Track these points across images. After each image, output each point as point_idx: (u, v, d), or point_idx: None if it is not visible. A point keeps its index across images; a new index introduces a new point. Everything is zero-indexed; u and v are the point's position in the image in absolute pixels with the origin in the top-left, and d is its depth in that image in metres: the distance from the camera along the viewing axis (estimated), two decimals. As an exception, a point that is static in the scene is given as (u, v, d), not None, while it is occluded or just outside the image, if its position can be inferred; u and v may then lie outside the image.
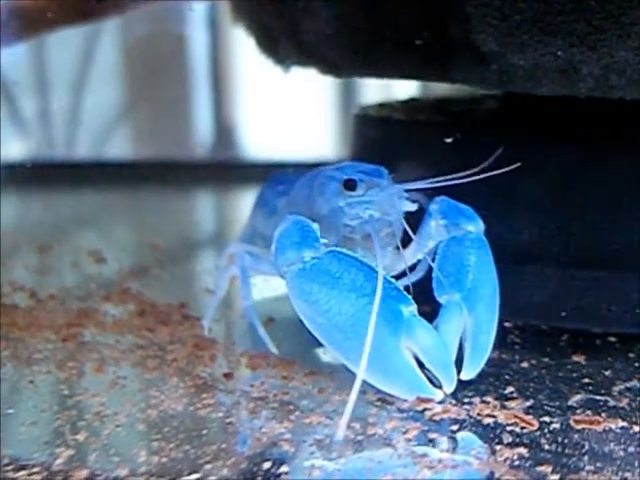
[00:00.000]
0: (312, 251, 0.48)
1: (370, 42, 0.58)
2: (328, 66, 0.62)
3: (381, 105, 0.73)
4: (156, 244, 0.83)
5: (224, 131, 1.53)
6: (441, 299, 0.50)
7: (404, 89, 0.92)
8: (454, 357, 0.49)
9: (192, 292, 0.68)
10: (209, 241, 0.99)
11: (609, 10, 0.48)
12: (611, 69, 0.50)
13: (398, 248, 0.54)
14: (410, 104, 0.73)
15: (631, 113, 0.56)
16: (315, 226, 0.50)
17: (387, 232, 0.52)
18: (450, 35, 0.54)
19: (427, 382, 0.47)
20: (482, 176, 0.51)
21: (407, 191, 0.52)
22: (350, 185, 0.52)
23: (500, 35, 0.51)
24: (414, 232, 0.54)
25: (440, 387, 0.48)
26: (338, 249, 0.48)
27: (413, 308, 0.47)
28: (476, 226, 0.53)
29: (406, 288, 0.50)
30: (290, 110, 1.39)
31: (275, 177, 0.65)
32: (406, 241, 0.55)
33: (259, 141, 1.49)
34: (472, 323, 0.50)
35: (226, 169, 1.29)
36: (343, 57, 0.59)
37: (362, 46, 0.58)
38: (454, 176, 0.51)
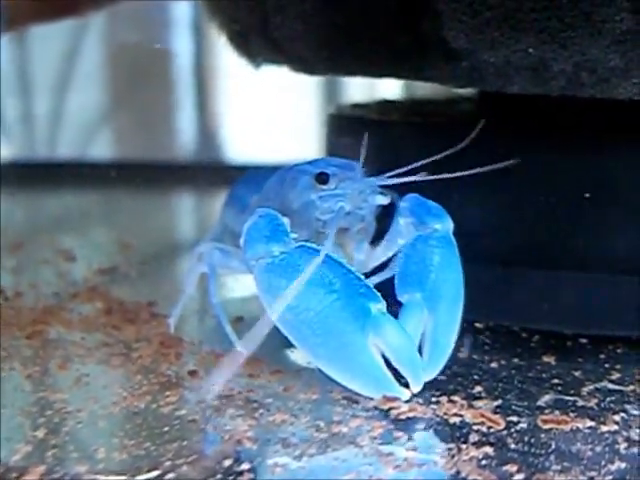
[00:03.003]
0: (281, 245, 0.48)
1: (341, 39, 0.57)
2: (299, 63, 0.62)
3: (355, 105, 0.73)
4: (129, 244, 0.82)
5: (207, 133, 1.53)
6: (402, 298, 0.50)
7: (389, 89, 0.92)
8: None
9: (162, 291, 0.67)
10: (186, 243, 0.98)
11: (580, 7, 0.48)
12: (582, 67, 0.49)
13: (371, 245, 0.54)
14: (385, 104, 0.73)
15: (609, 111, 0.55)
16: (285, 220, 0.49)
17: (359, 227, 0.52)
18: (422, 32, 0.53)
19: (394, 381, 0.47)
20: (455, 175, 0.51)
21: (381, 186, 0.52)
22: (322, 179, 0.52)
23: (471, 32, 0.51)
24: (386, 229, 0.53)
25: (407, 386, 0.47)
26: (307, 244, 0.48)
27: (382, 305, 0.47)
28: (444, 224, 0.52)
29: (375, 286, 0.49)
30: (274, 112, 1.39)
31: (246, 175, 0.64)
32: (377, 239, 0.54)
33: (242, 143, 1.48)
34: (432, 323, 0.50)
35: (208, 171, 1.29)
36: (314, 54, 0.59)
37: (333, 43, 0.58)
38: (425, 174, 0.51)
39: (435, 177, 0.52)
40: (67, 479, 0.38)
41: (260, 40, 0.62)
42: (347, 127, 0.68)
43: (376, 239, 0.55)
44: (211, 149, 1.53)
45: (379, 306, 0.47)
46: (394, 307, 0.49)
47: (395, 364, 0.47)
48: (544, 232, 0.58)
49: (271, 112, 1.37)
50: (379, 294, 0.47)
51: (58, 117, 1.46)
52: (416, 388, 0.47)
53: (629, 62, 0.49)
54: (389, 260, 0.55)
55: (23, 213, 1.09)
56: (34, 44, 1.40)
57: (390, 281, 0.52)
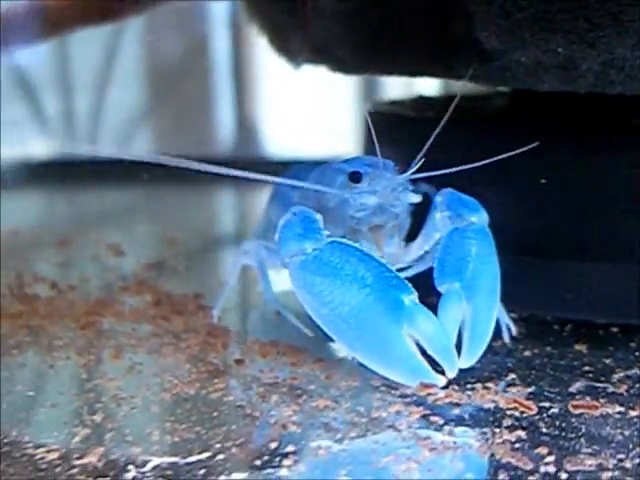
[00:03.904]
0: (314, 242, 0.49)
1: (377, 40, 0.59)
2: (337, 63, 0.64)
3: (392, 102, 0.75)
4: (174, 239, 0.84)
5: (246, 129, 1.54)
6: (441, 288, 0.51)
7: (426, 87, 0.93)
8: (453, 344, 0.50)
9: (208, 284, 0.69)
10: (228, 237, 1.01)
11: (608, 8, 0.50)
12: (610, 65, 0.51)
13: (406, 241, 0.56)
14: (420, 101, 0.74)
15: (634, 109, 0.57)
16: (318, 217, 0.51)
17: (393, 224, 0.54)
18: (455, 33, 0.55)
19: (430, 368, 0.49)
20: (484, 162, 0.52)
21: (412, 181, 0.54)
22: (355, 177, 0.53)
23: (503, 33, 0.52)
24: (421, 225, 0.55)
25: (443, 373, 0.49)
26: (339, 240, 0.50)
27: (414, 296, 0.48)
28: (479, 217, 0.54)
29: (411, 279, 0.51)
30: (312, 108, 1.40)
31: (291, 170, 0.66)
32: (414, 234, 0.56)
33: (281, 139, 1.50)
34: (471, 312, 0.51)
35: (247, 166, 1.30)
36: (351, 55, 0.61)
37: (370, 44, 0.59)
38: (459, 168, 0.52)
39: (460, 168, 0.52)
40: (124, 460, 0.41)
41: (299, 41, 0.64)
42: (384, 124, 0.70)
43: (413, 233, 0.56)
44: (250, 145, 1.54)
45: (411, 297, 0.48)
46: (432, 298, 0.51)
47: (430, 352, 0.49)
48: (577, 223, 0.59)
49: (310, 108, 1.39)
50: (411, 285, 0.49)
51: (99, 115, 1.48)
52: (451, 374, 0.49)
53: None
54: (427, 253, 0.57)
55: (67, 210, 1.12)
56: (74, 43, 1.42)
57: (428, 273, 0.54)
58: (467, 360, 0.51)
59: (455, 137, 0.62)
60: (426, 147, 0.53)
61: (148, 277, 0.69)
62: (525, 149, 0.53)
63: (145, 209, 1.12)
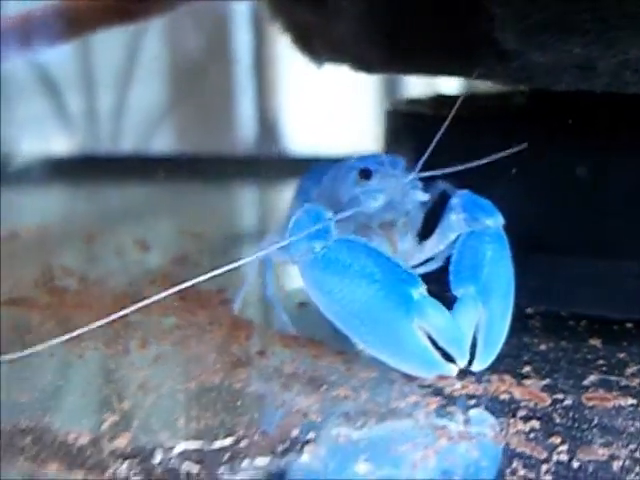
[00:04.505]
0: (322, 241, 0.50)
1: (397, 39, 0.60)
2: (358, 63, 0.65)
3: (411, 101, 0.76)
4: (197, 234, 0.86)
5: (267, 126, 1.55)
6: (457, 292, 0.52)
7: (447, 86, 0.94)
8: (468, 347, 0.51)
9: (231, 279, 0.71)
10: (250, 233, 1.02)
11: (624, 10, 0.51)
12: (625, 66, 0.52)
13: (419, 239, 0.57)
14: (440, 99, 0.76)
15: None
16: (329, 214, 0.52)
17: (403, 221, 0.55)
18: (474, 33, 0.56)
19: (442, 360, 0.50)
20: (495, 156, 0.53)
21: (430, 179, 0.55)
22: (365, 174, 0.54)
23: (521, 34, 0.54)
24: (435, 224, 0.56)
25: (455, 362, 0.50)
26: (348, 237, 0.51)
27: (423, 289, 0.49)
28: (495, 221, 0.55)
29: (423, 276, 0.52)
30: (333, 106, 1.41)
31: (313, 168, 0.67)
32: (428, 234, 0.57)
33: (303, 136, 1.51)
34: (486, 316, 0.52)
35: (269, 163, 1.32)
36: (371, 53, 0.62)
37: (389, 43, 0.61)
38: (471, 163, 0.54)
39: (467, 166, 0.53)
40: (151, 445, 0.42)
41: (321, 41, 0.65)
42: (403, 123, 0.71)
43: (428, 233, 0.57)
44: (271, 143, 1.56)
45: (420, 290, 0.49)
46: (445, 294, 0.52)
47: (441, 343, 0.49)
48: (594, 220, 0.60)
49: (331, 106, 1.40)
50: (420, 279, 0.50)
51: (121, 112, 1.50)
52: (462, 363, 0.50)
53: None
54: (440, 252, 0.57)
55: (91, 206, 1.14)
56: (97, 41, 1.43)
57: (441, 270, 0.55)
58: (481, 363, 0.51)
59: (471, 135, 0.64)
60: (433, 144, 0.54)
61: (173, 271, 0.71)
62: (515, 150, 0.54)
63: (168, 205, 1.14)
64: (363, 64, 0.65)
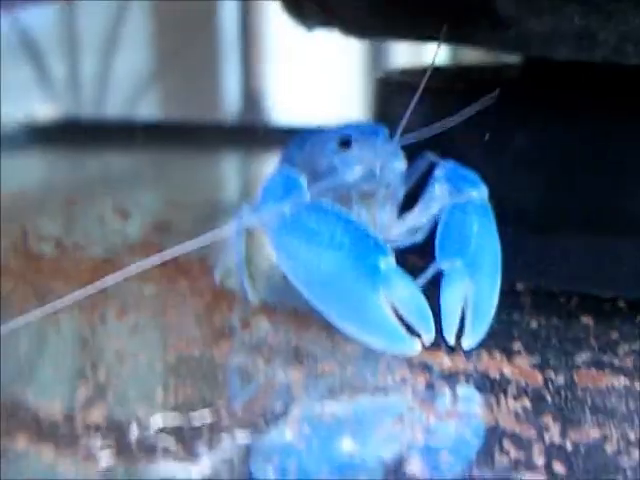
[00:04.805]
0: (293, 204, 0.49)
1: (392, 4, 0.59)
2: (351, 27, 0.63)
3: (402, 71, 0.74)
4: (180, 203, 0.84)
5: (252, 94, 1.54)
6: (443, 266, 0.51)
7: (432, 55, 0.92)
8: (457, 322, 0.50)
9: (213, 247, 0.69)
10: (234, 202, 1.00)
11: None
12: (627, 37, 0.50)
13: (401, 211, 0.55)
14: (433, 70, 0.74)
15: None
16: (302, 178, 0.50)
17: (384, 192, 0.53)
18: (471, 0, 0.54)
19: (406, 335, 0.48)
20: (465, 112, 0.52)
21: (411, 151, 0.53)
22: (344, 143, 0.53)
23: (518, 1, 0.52)
24: (418, 196, 0.54)
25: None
26: (319, 202, 0.49)
27: (391, 259, 0.48)
28: (480, 192, 0.53)
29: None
30: (319, 74, 1.40)
31: (301, 134, 0.65)
32: (409, 206, 0.55)
33: (289, 105, 1.49)
34: (474, 290, 0.50)
35: (253, 132, 1.30)
36: (366, 18, 0.60)
37: (385, 8, 0.59)
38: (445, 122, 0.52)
39: (443, 126, 0.52)
40: (127, 418, 0.41)
41: (312, 4, 0.63)
42: (394, 92, 0.70)
43: (411, 204, 0.56)
44: (257, 110, 1.54)
45: (389, 260, 0.48)
46: (429, 266, 0.51)
47: (406, 317, 0.48)
48: (584, 196, 0.59)
49: (318, 74, 1.38)
50: (389, 248, 0.48)
51: (105, 78, 1.48)
52: (428, 339, 0.48)
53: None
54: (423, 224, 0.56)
55: (72, 172, 1.12)
56: (81, 5, 1.41)
57: (425, 244, 0.54)
58: (472, 338, 0.50)
59: (461, 108, 0.62)
60: (409, 110, 0.52)
61: (154, 239, 0.69)
62: (487, 102, 0.53)
63: (151, 173, 1.12)
64: (354, 29, 0.63)
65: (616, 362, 0.49)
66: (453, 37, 0.57)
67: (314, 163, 0.55)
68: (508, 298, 0.56)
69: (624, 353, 0.51)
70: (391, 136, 0.54)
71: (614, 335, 0.53)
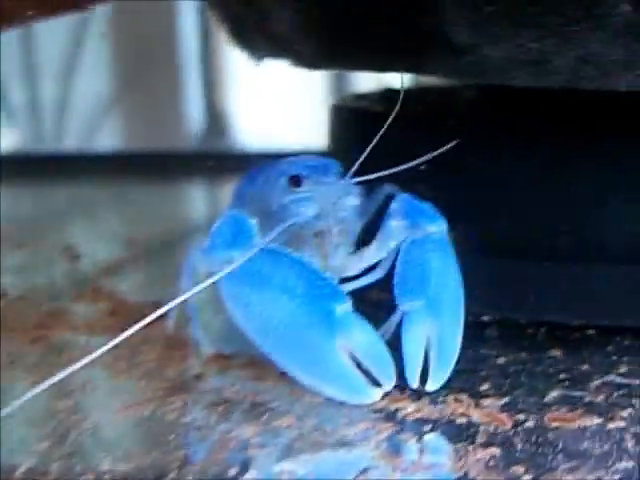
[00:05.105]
0: (243, 251, 0.47)
1: (341, 33, 0.57)
2: (300, 58, 0.61)
3: (358, 96, 0.72)
4: (135, 238, 0.82)
5: (215, 119, 1.52)
6: (403, 307, 0.49)
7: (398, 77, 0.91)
8: (420, 365, 0.48)
9: (168, 290, 0.66)
10: (194, 235, 0.98)
11: (581, 1, 0.47)
12: (584, 60, 0.49)
13: (357, 247, 0.53)
14: (388, 94, 0.72)
15: (605, 104, 0.55)
16: (252, 223, 0.48)
17: (338, 229, 0.51)
18: (423, 27, 0.53)
19: (365, 383, 0.46)
20: (428, 157, 0.50)
21: (367, 182, 0.51)
22: (295, 181, 0.51)
23: (472, 27, 0.50)
24: (374, 231, 0.53)
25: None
26: (270, 247, 0.47)
27: (347, 305, 0.46)
28: (438, 226, 0.51)
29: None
30: (283, 98, 1.38)
31: (253, 168, 0.63)
32: (367, 241, 0.53)
33: (251, 130, 1.48)
34: (437, 331, 0.49)
35: (217, 159, 1.28)
36: (314, 49, 0.58)
37: (333, 38, 0.57)
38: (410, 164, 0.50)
39: (401, 168, 0.50)
40: (73, 492, 0.38)
41: (259, 35, 0.61)
42: (349, 119, 0.68)
43: (367, 240, 0.54)
44: (220, 136, 1.52)
45: (344, 306, 0.46)
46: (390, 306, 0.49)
47: (365, 365, 0.46)
48: (548, 224, 0.57)
49: (280, 99, 1.37)
50: (345, 294, 0.47)
51: (65, 104, 1.46)
52: (388, 386, 0.47)
53: (631, 54, 0.48)
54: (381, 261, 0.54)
55: (27, 206, 1.09)
56: (40, 30, 1.39)
57: (383, 281, 0.52)
58: (436, 382, 0.48)
59: (418, 133, 0.60)
60: (371, 145, 0.51)
61: (104, 283, 0.66)
62: (448, 147, 0.51)
63: (108, 206, 1.09)
64: (304, 60, 0.61)
65: (587, 398, 0.47)
66: (405, 66, 0.56)
67: (265, 202, 0.53)
68: (474, 331, 0.54)
69: (596, 387, 0.49)
70: (345, 169, 0.52)
71: (584, 367, 0.52)
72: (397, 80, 0.78)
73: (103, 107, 1.48)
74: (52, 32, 1.37)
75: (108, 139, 1.50)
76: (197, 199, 1.24)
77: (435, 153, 0.51)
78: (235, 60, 1.45)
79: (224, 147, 1.51)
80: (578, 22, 0.47)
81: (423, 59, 0.54)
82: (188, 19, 1.49)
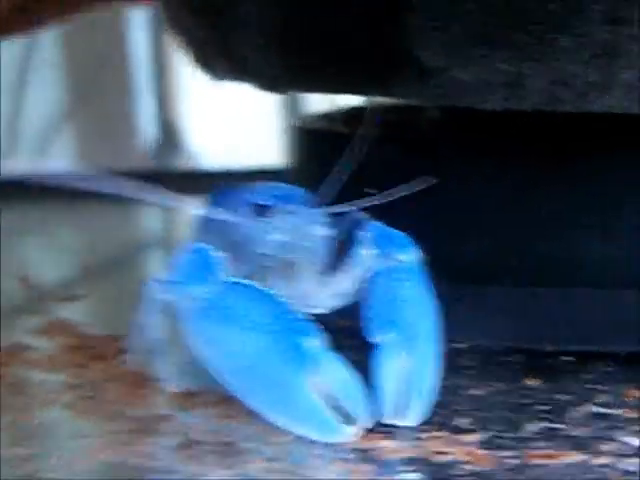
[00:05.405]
0: (208, 286, 0.45)
1: (305, 56, 0.55)
2: (261, 81, 0.59)
3: (321, 116, 0.70)
4: (93, 264, 0.79)
5: (169, 135, 1.50)
6: (375, 339, 0.47)
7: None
8: (396, 400, 0.46)
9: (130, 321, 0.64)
10: (152, 259, 0.96)
11: (555, 22, 0.46)
12: (559, 82, 0.48)
13: (325, 276, 0.51)
14: (352, 114, 0.70)
15: (580, 125, 0.54)
16: (217, 255, 0.47)
17: (305, 259, 0.49)
18: (391, 48, 0.51)
19: (337, 422, 0.44)
20: (400, 193, 0.49)
21: (334, 214, 0.50)
22: (260, 211, 0.49)
23: (441, 48, 0.49)
24: (342, 259, 0.51)
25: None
26: (236, 281, 0.45)
27: (317, 341, 0.44)
28: (409, 255, 0.50)
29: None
30: (237, 115, 1.37)
31: (216, 193, 0.61)
32: (334, 268, 0.52)
33: (205, 147, 1.46)
34: (412, 364, 0.47)
35: (171, 178, 1.26)
36: (276, 72, 0.57)
37: (296, 60, 0.55)
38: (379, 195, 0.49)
39: (371, 202, 0.49)
40: None
41: (220, 57, 0.59)
42: (312, 141, 0.66)
43: (335, 269, 0.52)
44: (173, 153, 1.50)
45: (314, 342, 0.44)
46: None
47: (338, 401, 0.44)
48: (522, 248, 0.57)
49: (236, 113, 1.35)
50: (315, 328, 0.45)
51: (15, 121, 1.43)
52: (363, 423, 0.45)
53: (607, 75, 0.47)
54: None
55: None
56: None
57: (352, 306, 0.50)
58: (416, 418, 0.47)
59: (385, 155, 0.59)
60: (335, 173, 0.50)
61: (63, 314, 0.63)
62: (423, 186, 0.50)
63: (59, 228, 1.06)
64: (266, 83, 0.59)
65: (567, 431, 0.46)
66: (371, 89, 0.54)
67: (229, 232, 0.51)
68: (448, 359, 0.53)
69: (576, 419, 0.47)
70: (310, 193, 0.51)
71: (563, 397, 0.50)
72: (353, 99, 0.77)
73: (54, 124, 1.46)
74: (1, 50, 1.34)
75: (60, 158, 1.48)
76: (148, 220, 1.21)
77: (407, 191, 0.50)
78: (188, 75, 1.43)
79: (178, 164, 1.48)
80: (553, 44, 0.46)
81: (391, 82, 0.53)
82: (140, 34, 1.47)
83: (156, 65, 1.49)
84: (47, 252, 0.93)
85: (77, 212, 1.08)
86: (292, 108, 1.36)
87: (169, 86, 1.50)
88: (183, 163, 1.49)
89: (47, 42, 1.42)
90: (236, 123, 1.36)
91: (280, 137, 1.36)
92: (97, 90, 1.45)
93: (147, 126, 1.49)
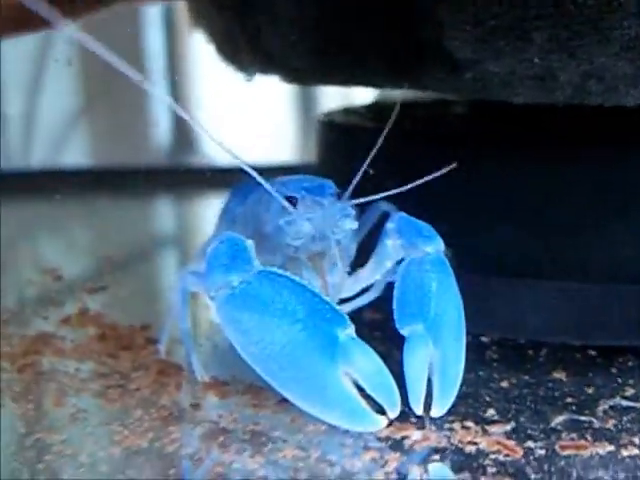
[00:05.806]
0: (241, 274, 0.45)
1: (338, 48, 0.55)
2: (293, 74, 0.59)
3: (346, 111, 0.71)
4: (113, 257, 0.79)
5: (183, 134, 1.50)
6: (404, 331, 0.47)
7: (363, 92, 0.90)
8: (423, 391, 0.47)
9: (154, 311, 0.64)
10: (169, 252, 0.96)
11: (587, 15, 0.46)
12: (590, 75, 0.48)
13: (352, 268, 0.52)
14: (375, 109, 0.71)
15: (604, 118, 0.54)
16: (249, 244, 0.47)
17: (334, 251, 0.49)
18: (422, 41, 0.51)
19: (369, 411, 0.44)
20: (425, 179, 0.49)
21: (358, 205, 0.50)
22: (290, 203, 0.49)
23: (474, 41, 0.49)
24: (371, 251, 0.51)
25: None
26: (269, 270, 0.45)
27: (350, 330, 0.44)
28: (435, 246, 0.50)
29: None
30: (251, 113, 1.37)
31: (240, 185, 0.61)
32: (362, 260, 0.52)
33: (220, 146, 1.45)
34: (439, 355, 0.47)
35: (185, 175, 1.26)
36: (308, 65, 0.57)
37: (329, 53, 0.55)
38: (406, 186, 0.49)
39: (398, 190, 0.49)
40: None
41: (251, 51, 0.59)
42: (339, 135, 0.66)
43: (363, 260, 0.52)
44: (188, 151, 1.50)
45: (347, 331, 0.44)
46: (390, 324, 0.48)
47: (368, 391, 0.45)
48: (549, 243, 0.56)
49: (249, 113, 1.35)
50: (347, 318, 0.45)
51: (31, 119, 1.43)
52: (393, 414, 0.45)
53: (638, 68, 0.47)
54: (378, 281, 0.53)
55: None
56: (4, 44, 1.36)
57: (376, 301, 0.51)
58: (441, 407, 0.47)
59: (411, 148, 0.59)
60: (364, 166, 0.50)
61: (89, 305, 0.64)
62: (446, 170, 0.50)
63: (80, 223, 1.06)
64: (297, 76, 0.59)
65: (596, 424, 0.46)
66: (403, 81, 0.54)
67: (258, 223, 0.51)
68: (473, 352, 0.53)
69: (604, 412, 0.47)
70: (338, 187, 0.50)
71: (590, 391, 0.50)
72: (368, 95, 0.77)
73: (70, 123, 1.46)
74: (17, 46, 1.35)
75: (75, 156, 1.48)
76: (165, 215, 1.21)
77: (434, 175, 0.49)
78: (202, 72, 1.44)
79: (192, 161, 1.48)
80: (584, 36, 0.46)
81: (423, 75, 0.53)
82: (155, 33, 1.47)
83: (171, 62, 1.49)
84: (67, 246, 0.94)
85: (92, 207, 1.09)
86: (305, 105, 1.36)
87: (183, 83, 1.50)
88: (197, 160, 1.49)
89: (62, 39, 1.42)
90: (250, 119, 1.36)
91: (294, 133, 1.36)
92: (112, 87, 1.45)
93: (161, 123, 1.49)
